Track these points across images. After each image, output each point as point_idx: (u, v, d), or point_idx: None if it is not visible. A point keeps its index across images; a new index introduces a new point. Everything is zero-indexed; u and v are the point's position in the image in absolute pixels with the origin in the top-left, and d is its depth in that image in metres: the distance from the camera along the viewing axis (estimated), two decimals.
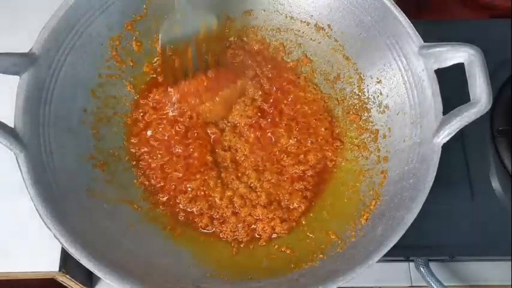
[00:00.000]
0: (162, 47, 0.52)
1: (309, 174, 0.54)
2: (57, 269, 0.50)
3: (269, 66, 0.59)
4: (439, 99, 0.46)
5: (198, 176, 0.52)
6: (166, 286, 0.42)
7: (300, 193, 0.53)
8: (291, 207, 0.52)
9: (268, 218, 0.51)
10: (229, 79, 0.56)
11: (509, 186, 0.55)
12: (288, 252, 0.49)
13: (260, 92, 0.57)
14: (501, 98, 0.59)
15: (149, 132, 0.54)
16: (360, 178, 0.52)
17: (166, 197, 0.52)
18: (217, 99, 0.55)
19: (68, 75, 0.48)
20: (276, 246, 0.50)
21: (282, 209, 0.52)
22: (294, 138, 0.55)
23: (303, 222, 0.52)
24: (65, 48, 0.47)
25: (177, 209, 0.52)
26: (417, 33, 0.48)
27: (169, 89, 0.55)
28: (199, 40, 0.53)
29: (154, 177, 0.53)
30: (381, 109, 0.53)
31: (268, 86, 0.57)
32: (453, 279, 0.57)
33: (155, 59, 0.57)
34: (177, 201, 0.52)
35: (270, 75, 0.58)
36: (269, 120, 0.56)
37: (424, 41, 0.47)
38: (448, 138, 0.44)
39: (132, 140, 0.54)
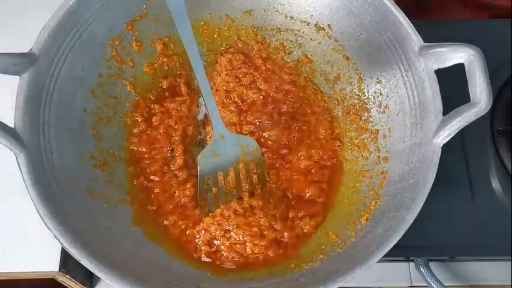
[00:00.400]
0: (201, 176, 0.50)
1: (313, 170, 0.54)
2: (57, 269, 0.50)
3: (269, 66, 0.59)
4: (439, 99, 0.46)
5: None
6: (166, 286, 0.42)
7: (317, 185, 0.53)
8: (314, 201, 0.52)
9: (298, 217, 0.51)
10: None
11: (509, 186, 0.55)
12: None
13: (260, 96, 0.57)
14: (501, 98, 0.59)
15: (149, 132, 0.55)
16: (360, 178, 0.52)
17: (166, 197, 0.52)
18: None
19: (68, 75, 0.48)
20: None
21: (308, 205, 0.52)
22: (294, 136, 0.55)
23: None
24: (65, 48, 0.47)
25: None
26: (417, 33, 0.48)
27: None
28: (239, 166, 0.51)
29: (154, 178, 0.53)
30: (381, 109, 0.53)
31: (267, 87, 0.57)
32: (453, 279, 0.57)
33: (156, 59, 0.57)
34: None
35: (270, 75, 0.58)
36: (269, 121, 0.56)
37: (424, 41, 0.47)
38: (448, 139, 0.44)
39: (132, 140, 0.54)
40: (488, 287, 0.57)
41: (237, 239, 0.49)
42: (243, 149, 0.51)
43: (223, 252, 0.49)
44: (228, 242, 0.49)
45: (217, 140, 0.50)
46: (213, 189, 0.51)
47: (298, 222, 0.51)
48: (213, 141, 0.50)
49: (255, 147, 0.52)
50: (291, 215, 0.51)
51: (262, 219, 0.49)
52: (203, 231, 0.49)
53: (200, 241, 0.49)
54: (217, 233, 0.49)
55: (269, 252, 0.49)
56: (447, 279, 0.57)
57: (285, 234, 0.50)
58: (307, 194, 0.52)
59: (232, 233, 0.49)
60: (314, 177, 0.53)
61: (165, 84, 0.57)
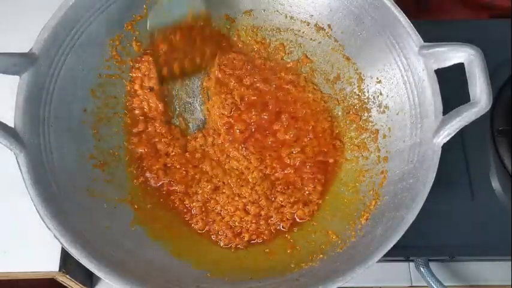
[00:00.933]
0: (151, 33, 0.51)
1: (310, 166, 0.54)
2: (57, 269, 0.50)
3: (269, 66, 0.59)
4: (439, 99, 0.46)
5: (199, 175, 0.53)
6: (166, 286, 0.42)
7: (312, 176, 0.53)
8: (308, 191, 0.53)
9: (289, 202, 0.52)
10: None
11: (509, 186, 0.55)
12: (285, 255, 0.49)
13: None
14: (501, 98, 0.59)
15: (149, 132, 0.55)
16: (360, 178, 0.52)
17: (166, 199, 0.52)
18: None
19: (68, 75, 0.48)
20: (277, 249, 0.50)
21: (301, 192, 0.53)
22: (293, 135, 0.55)
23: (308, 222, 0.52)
24: (65, 48, 0.47)
25: (178, 210, 0.52)
26: (417, 33, 0.48)
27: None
28: (188, 26, 0.52)
29: (155, 177, 0.53)
30: (381, 109, 0.53)
31: (267, 87, 0.58)
32: (453, 279, 0.57)
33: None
34: (178, 204, 0.52)
35: (270, 75, 0.58)
36: (269, 121, 0.56)
37: (424, 41, 0.47)
38: (448, 138, 0.44)
39: (132, 140, 0.54)
40: (488, 287, 0.57)
41: (225, 209, 0.51)
42: (190, 10, 0.52)
43: (215, 226, 0.51)
44: (219, 207, 0.52)
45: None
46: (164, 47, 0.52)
47: (290, 208, 0.52)
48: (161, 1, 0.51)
49: (203, 8, 0.52)
50: (280, 198, 0.52)
51: (247, 193, 0.52)
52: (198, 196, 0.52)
53: (195, 208, 0.51)
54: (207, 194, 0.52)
55: (259, 228, 0.51)
56: (447, 279, 0.57)
57: (273, 215, 0.51)
58: (299, 183, 0.53)
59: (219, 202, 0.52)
60: (308, 170, 0.54)
61: None
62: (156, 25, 0.51)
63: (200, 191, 0.52)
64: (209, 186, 0.52)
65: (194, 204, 0.52)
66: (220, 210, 0.52)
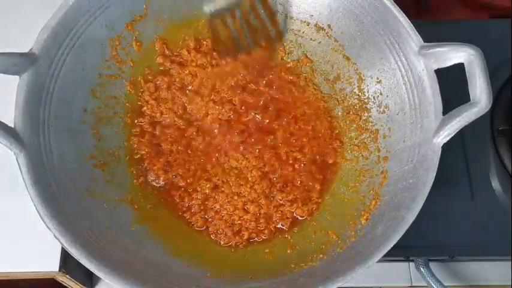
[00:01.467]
0: (210, 17, 0.51)
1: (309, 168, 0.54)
2: (57, 269, 0.50)
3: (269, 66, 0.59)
4: (439, 99, 0.46)
5: (199, 175, 0.53)
6: (166, 286, 0.42)
7: (310, 176, 0.54)
8: (307, 189, 0.53)
9: (288, 200, 0.52)
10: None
11: (509, 186, 0.55)
12: (285, 255, 0.49)
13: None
14: (501, 98, 0.59)
15: (149, 132, 0.55)
16: (360, 178, 0.52)
17: (166, 199, 0.52)
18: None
19: (68, 75, 0.48)
20: (277, 249, 0.50)
21: (299, 190, 0.53)
22: (292, 135, 0.55)
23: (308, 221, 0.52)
24: (65, 48, 0.47)
25: (178, 210, 0.52)
26: (417, 33, 0.48)
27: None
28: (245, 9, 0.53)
29: (155, 177, 0.53)
30: (381, 109, 0.53)
31: (267, 87, 0.58)
32: (453, 279, 0.57)
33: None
34: (178, 201, 0.52)
35: (270, 76, 0.58)
36: (267, 121, 0.56)
37: (424, 41, 0.47)
38: (448, 139, 0.44)
39: (132, 140, 0.54)
40: (488, 287, 0.57)
41: (225, 208, 0.52)
42: None
43: (215, 224, 0.51)
44: (219, 205, 0.52)
45: None
46: (224, 30, 0.52)
47: (289, 206, 0.52)
48: None
49: None
50: (279, 197, 0.52)
51: (246, 192, 0.52)
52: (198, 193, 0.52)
53: (195, 207, 0.52)
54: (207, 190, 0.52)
55: (258, 226, 0.51)
56: (447, 279, 0.57)
57: (272, 214, 0.52)
58: (298, 181, 0.53)
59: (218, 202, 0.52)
60: (307, 169, 0.54)
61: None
62: (211, 9, 0.51)
63: (200, 189, 0.52)
64: (208, 185, 0.52)
65: (193, 202, 0.52)
66: (220, 209, 0.52)
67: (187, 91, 0.56)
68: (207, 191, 0.52)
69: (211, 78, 0.57)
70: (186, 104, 0.56)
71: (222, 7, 0.51)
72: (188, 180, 0.53)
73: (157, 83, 0.56)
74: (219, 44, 0.53)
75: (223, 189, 0.53)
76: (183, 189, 0.53)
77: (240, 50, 0.54)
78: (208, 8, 0.51)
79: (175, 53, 0.57)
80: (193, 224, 0.51)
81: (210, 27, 0.52)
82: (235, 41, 0.53)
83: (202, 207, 0.52)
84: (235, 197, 0.52)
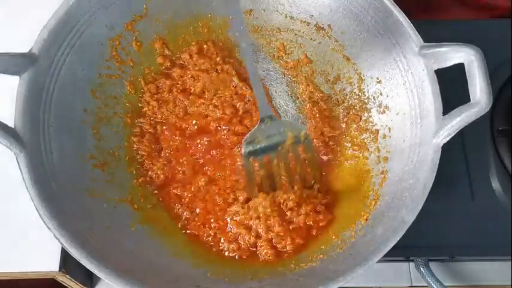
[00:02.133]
0: (244, 157, 0.50)
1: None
2: (57, 269, 0.50)
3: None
4: (439, 99, 0.46)
5: (200, 176, 0.53)
6: (166, 286, 0.42)
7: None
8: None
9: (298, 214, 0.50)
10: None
11: (509, 186, 0.55)
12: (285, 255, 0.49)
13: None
14: (501, 98, 0.59)
15: (149, 132, 0.55)
16: (360, 178, 0.52)
17: (166, 198, 0.52)
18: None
19: (68, 75, 0.48)
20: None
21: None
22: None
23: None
24: (65, 48, 0.47)
25: (178, 210, 0.52)
26: (417, 33, 0.48)
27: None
28: (285, 152, 0.52)
29: (155, 178, 0.53)
30: (381, 109, 0.53)
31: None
32: (453, 279, 0.57)
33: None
34: (178, 204, 0.52)
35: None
36: None
37: (424, 41, 0.47)
38: (448, 139, 0.44)
39: (132, 140, 0.54)
40: (488, 287, 0.57)
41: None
42: (291, 134, 0.51)
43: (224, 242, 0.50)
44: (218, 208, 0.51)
45: (262, 124, 0.51)
46: (259, 171, 0.51)
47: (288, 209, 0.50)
48: (258, 124, 0.51)
49: (304, 131, 0.51)
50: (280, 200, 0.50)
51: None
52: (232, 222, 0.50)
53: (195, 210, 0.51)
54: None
55: (265, 252, 0.49)
56: (447, 279, 0.57)
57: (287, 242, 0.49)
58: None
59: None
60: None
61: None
62: (250, 154, 0.50)
63: (200, 191, 0.52)
64: (207, 184, 0.53)
65: (195, 209, 0.52)
66: (220, 212, 0.52)
67: (189, 94, 0.56)
68: (209, 197, 0.52)
69: (214, 83, 0.56)
70: (187, 107, 0.56)
71: (260, 147, 0.50)
72: (188, 180, 0.53)
73: (159, 85, 0.56)
74: (252, 186, 0.51)
75: (226, 197, 0.52)
76: (183, 188, 0.53)
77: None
78: (247, 149, 0.50)
79: (176, 55, 0.57)
80: (193, 227, 0.51)
81: (244, 167, 0.51)
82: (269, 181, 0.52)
83: (204, 217, 0.51)
84: (236, 210, 0.51)
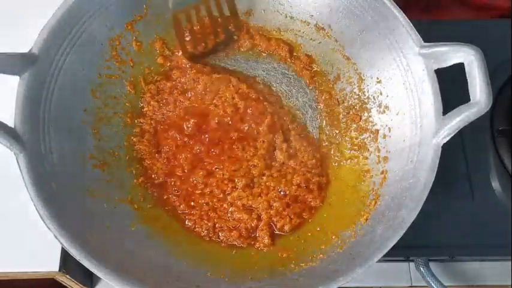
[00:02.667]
0: (174, 12, 0.53)
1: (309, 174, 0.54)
2: (57, 269, 0.50)
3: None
4: (439, 99, 0.46)
5: (200, 174, 0.53)
6: (166, 286, 0.42)
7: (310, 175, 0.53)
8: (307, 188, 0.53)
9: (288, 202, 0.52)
10: None
11: (509, 186, 0.55)
12: (285, 255, 0.49)
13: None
14: (501, 98, 0.59)
15: (149, 132, 0.55)
16: (360, 178, 0.52)
17: (166, 197, 0.52)
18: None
19: (68, 75, 0.48)
20: (277, 249, 0.50)
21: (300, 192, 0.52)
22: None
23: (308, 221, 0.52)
24: (65, 48, 0.47)
25: (178, 210, 0.52)
26: (417, 33, 0.48)
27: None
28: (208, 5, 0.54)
29: (155, 177, 0.53)
30: (381, 109, 0.53)
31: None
32: (453, 279, 0.57)
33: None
34: (178, 202, 0.52)
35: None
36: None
37: (424, 41, 0.47)
38: (448, 139, 0.44)
39: (132, 140, 0.54)
40: (488, 287, 0.57)
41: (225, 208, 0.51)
42: None
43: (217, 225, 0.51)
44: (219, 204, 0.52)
45: None
46: (188, 25, 0.54)
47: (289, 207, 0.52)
48: None
49: None
50: (276, 204, 0.52)
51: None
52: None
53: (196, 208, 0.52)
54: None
55: (258, 226, 0.50)
56: (447, 279, 0.57)
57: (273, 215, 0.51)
58: (298, 182, 0.53)
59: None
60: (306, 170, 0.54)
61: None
62: (178, 5, 0.52)
63: (200, 190, 0.52)
64: (209, 187, 0.52)
65: (194, 205, 0.52)
66: (220, 208, 0.52)
67: (189, 96, 0.56)
68: (208, 191, 0.52)
69: (214, 84, 0.56)
70: (188, 108, 0.56)
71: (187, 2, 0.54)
72: (188, 180, 0.53)
73: (160, 86, 0.56)
74: (183, 40, 0.55)
75: (225, 188, 0.53)
76: (183, 189, 0.53)
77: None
78: (171, 4, 0.53)
79: (175, 57, 0.57)
80: (191, 224, 0.51)
81: (174, 24, 0.54)
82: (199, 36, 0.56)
83: (202, 210, 0.52)
84: (239, 195, 0.52)
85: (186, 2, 0.53)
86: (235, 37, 0.58)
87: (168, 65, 0.57)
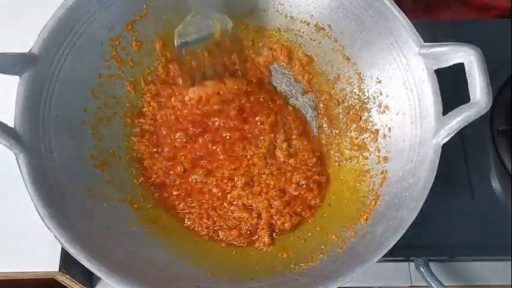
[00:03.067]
0: (178, 48, 0.53)
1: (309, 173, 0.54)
2: (57, 269, 0.50)
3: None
4: (439, 99, 0.46)
5: (200, 173, 0.53)
6: (166, 286, 0.42)
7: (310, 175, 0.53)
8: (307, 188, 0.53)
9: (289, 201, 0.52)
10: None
11: (509, 186, 0.55)
12: (285, 255, 0.49)
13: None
14: (501, 98, 0.59)
15: (149, 132, 0.55)
16: (360, 178, 0.52)
17: (166, 197, 0.52)
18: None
19: (68, 75, 0.48)
20: (277, 249, 0.50)
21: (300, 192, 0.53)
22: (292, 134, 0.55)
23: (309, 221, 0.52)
24: (65, 48, 0.47)
25: (178, 210, 0.52)
26: (417, 33, 0.48)
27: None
28: (215, 43, 0.54)
29: (155, 177, 0.53)
30: (381, 109, 0.53)
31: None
32: (453, 279, 0.57)
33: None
34: (177, 201, 0.52)
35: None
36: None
37: (424, 41, 0.47)
38: (448, 139, 0.44)
39: (132, 140, 0.54)
40: (488, 287, 0.57)
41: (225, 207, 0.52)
42: (219, 26, 0.53)
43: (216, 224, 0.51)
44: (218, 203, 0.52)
45: (194, 16, 0.52)
46: (192, 62, 0.54)
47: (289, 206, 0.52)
48: (189, 16, 0.53)
49: (231, 24, 0.53)
50: (276, 203, 0.52)
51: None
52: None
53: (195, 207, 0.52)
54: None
55: (258, 225, 0.51)
56: (447, 279, 0.57)
57: (274, 214, 0.51)
58: (298, 183, 0.53)
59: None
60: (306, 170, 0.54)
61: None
62: (183, 43, 0.53)
63: (199, 189, 0.52)
64: (205, 176, 0.53)
65: (194, 204, 0.52)
66: (220, 207, 0.52)
67: (187, 103, 0.56)
68: (207, 189, 0.52)
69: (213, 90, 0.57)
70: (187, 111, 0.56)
71: (192, 39, 0.53)
72: (187, 179, 0.53)
73: (160, 90, 0.56)
74: (186, 74, 0.55)
75: (224, 187, 0.53)
76: (182, 189, 0.53)
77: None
78: (179, 40, 0.53)
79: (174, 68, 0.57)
80: (191, 224, 0.51)
81: (178, 57, 0.54)
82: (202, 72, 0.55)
83: (202, 208, 0.52)
84: (238, 193, 0.52)
85: (192, 43, 0.53)
86: (239, 72, 0.57)
87: (168, 75, 0.57)
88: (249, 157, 0.53)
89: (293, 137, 0.55)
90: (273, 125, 0.55)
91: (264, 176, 0.53)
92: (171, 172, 0.53)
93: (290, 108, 0.57)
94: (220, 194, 0.52)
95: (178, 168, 0.53)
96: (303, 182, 0.53)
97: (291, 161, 0.54)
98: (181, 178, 0.53)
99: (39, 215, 0.40)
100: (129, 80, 0.55)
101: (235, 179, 0.52)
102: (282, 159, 0.54)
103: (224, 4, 0.57)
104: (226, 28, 0.54)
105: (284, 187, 0.53)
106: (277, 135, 0.55)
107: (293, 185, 0.53)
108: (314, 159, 0.54)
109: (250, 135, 0.55)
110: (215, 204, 0.52)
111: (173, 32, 0.56)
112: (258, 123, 0.55)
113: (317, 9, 0.56)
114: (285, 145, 0.54)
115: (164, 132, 0.55)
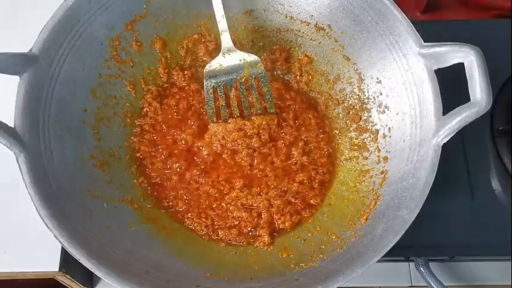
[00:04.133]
0: (206, 87, 0.53)
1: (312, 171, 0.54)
2: (57, 269, 0.50)
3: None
4: (439, 99, 0.46)
5: (195, 173, 0.53)
6: (166, 286, 0.42)
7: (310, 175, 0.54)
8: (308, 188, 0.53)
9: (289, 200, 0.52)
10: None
11: (509, 186, 0.55)
12: (285, 255, 0.49)
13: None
14: (501, 98, 0.59)
15: (149, 132, 0.55)
16: (360, 178, 0.52)
17: (165, 197, 0.52)
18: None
19: (68, 75, 0.48)
20: (277, 249, 0.50)
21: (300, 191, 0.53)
22: (292, 134, 0.55)
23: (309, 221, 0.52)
24: (65, 48, 0.47)
25: (177, 209, 0.52)
26: (417, 33, 0.48)
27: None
28: (243, 81, 0.54)
29: (155, 177, 0.53)
30: (381, 109, 0.53)
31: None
32: (453, 279, 0.57)
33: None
34: (176, 201, 0.52)
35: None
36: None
37: (424, 41, 0.47)
38: (448, 139, 0.44)
39: (132, 140, 0.54)
40: (488, 287, 0.57)
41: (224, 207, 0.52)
42: (247, 65, 0.54)
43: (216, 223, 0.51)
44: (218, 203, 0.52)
45: (224, 55, 0.53)
46: (220, 99, 0.54)
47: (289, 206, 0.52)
48: (220, 55, 0.53)
49: (259, 63, 0.54)
50: (277, 202, 0.52)
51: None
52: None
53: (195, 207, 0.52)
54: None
55: (258, 224, 0.51)
56: (447, 279, 0.57)
57: (274, 214, 0.51)
58: (298, 183, 0.53)
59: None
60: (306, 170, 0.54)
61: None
62: (211, 80, 0.53)
63: (202, 188, 0.52)
64: (209, 187, 0.53)
65: (193, 203, 0.52)
66: (220, 207, 0.52)
67: (191, 106, 0.56)
68: (203, 190, 0.52)
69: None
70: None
71: (220, 80, 0.54)
72: (186, 179, 0.53)
73: (159, 90, 0.56)
74: (211, 111, 0.54)
75: (223, 188, 0.53)
76: (181, 188, 0.53)
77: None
78: (210, 83, 0.53)
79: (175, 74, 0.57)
80: (192, 224, 0.51)
81: (205, 96, 0.54)
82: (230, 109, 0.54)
83: (200, 208, 0.52)
84: (237, 195, 0.52)
85: (220, 82, 0.54)
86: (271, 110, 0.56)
87: (169, 81, 0.57)
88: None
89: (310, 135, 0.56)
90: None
91: (265, 178, 0.53)
92: (171, 172, 0.53)
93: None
94: (217, 194, 0.52)
95: (178, 167, 0.53)
96: (306, 181, 0.53)
97: (304, 158, 0.54)
98: (180, 178, 0.53)
99: (39, 215, 0.40)
100: (129, 80, 0.55)
101: (233, 182, 0.52)
102: (295, 157, 0.54)
103: (224, 4, 0.57)
104: (256, 68, 0.54)
105: (286, 186, 0.53)
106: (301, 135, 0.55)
107: (295, 184, 0.53)
108: (325, 158, 0.54)
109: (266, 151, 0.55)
110: (213, 204, 0.52)
111: (173, 32, 0.56)
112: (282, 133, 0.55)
113: (317, 9, 0.56)
114: (301, 143, 0.54)
115: (164, 132, 0.55)
